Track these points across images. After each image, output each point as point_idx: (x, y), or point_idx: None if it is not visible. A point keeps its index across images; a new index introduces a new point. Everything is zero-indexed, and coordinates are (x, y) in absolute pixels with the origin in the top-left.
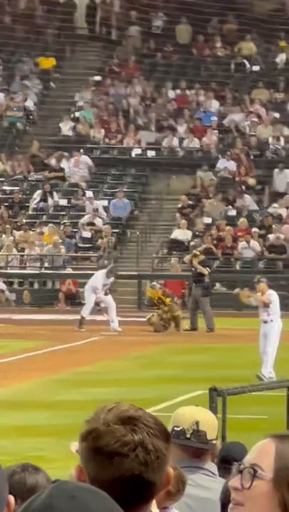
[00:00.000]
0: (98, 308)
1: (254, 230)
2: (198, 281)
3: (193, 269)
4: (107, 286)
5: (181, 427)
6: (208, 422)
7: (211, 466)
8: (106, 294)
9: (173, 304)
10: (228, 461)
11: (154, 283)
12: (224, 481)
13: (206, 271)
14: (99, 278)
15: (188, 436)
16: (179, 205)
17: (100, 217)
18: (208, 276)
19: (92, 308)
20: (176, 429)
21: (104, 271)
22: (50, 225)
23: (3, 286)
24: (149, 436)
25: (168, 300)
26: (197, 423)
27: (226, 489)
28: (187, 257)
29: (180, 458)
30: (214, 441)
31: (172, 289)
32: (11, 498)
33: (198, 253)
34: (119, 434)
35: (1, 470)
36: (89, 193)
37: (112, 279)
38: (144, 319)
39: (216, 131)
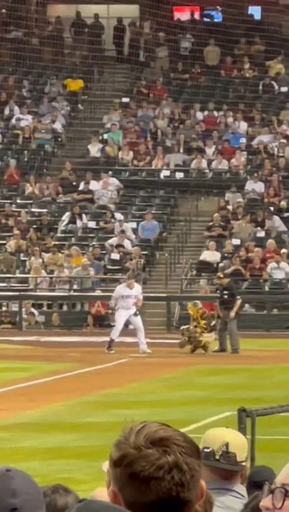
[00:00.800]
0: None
1: (283, 251)
2: (228, 303)
3: (223, 291)
4: (131, 298)
5: (210, 448)
6: (237, 443)
7: (240, 488)
8: (136, 314)
9: (204, 328)
10: (257, 483)
11: (198, 301)
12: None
13: (238, 303)
14: (118, 289)
15: (217, 457)
16: (210, 223)
17: (128, 239)
18: (239, 299)
19: (120, 330)
20: (205, 450)
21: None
22: (74, 247)
23: (33, 310)
24: (182, 456)
25: (203, 322)
26: (227, 444)
27: (253, 509)
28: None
29: (209, 479)
30: (244, 463)
31: None
32: None
33: (221, 276)
34: (153, 458)
35: (38, 488)
36: (118, 215)
37: (136, 290)
38: (173, 341)
39: (245, 153)
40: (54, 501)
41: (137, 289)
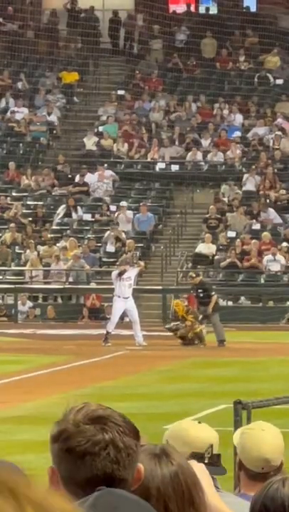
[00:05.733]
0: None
1: (284, 244)
2: (204, 300)
3: (198, 290)
4: (127, 281)
5: (198, 452)
6: (217, 442)
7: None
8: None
9: (195, 321)
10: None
11: (182, 298)
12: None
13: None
14: (113, 273)
15: (206, 461)
16: (206, 215)
17: (123, 231)
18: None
19: (117, 323)
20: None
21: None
22: (71, 239)
23: (30, 304)
24: (119, 435)
25: (190, 317)
26: (212, 447)
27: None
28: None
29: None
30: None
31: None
32: None
33: (193, 275)
34: (90, 434)
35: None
36: (113, 207)
37: (130, 272)
38: (169, 334)
39: (240, 145)
40: None
41: (133, 271)
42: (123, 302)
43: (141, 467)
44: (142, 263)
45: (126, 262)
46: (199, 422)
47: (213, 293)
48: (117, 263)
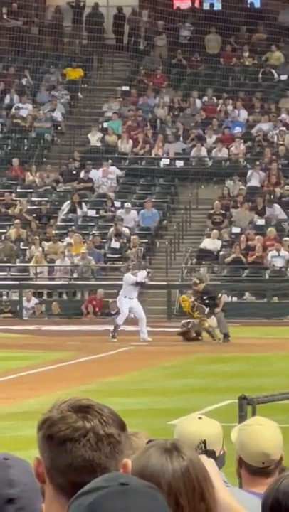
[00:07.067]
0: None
1: (285, 239)
2: (211, 305)
3: (202, 297)
4: (138, 284)
5: None
6: (214, 438)
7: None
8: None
9: (202, 317)
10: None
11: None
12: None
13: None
14: (129, 278)
15: None
16: (211, 211)
17: (128, 227)
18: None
19: (126, 316)
20: None
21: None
22: (76, 234)
23: (35, 300)
24: (101, 424)
25: (196, 313)
26: (204, 442)
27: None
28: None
29: None
30: (222, 452)
31: None
32: None
33: (197, 281)
34: (71, 421)
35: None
36: (117, 204)
37: (142, 275)
38: (174, 329)
39: (244, 141)
40: None
41: (142, 274)
42: (129, 301)
43: (128, 462)
44: (149, 269)
45: (138, 267)
46: (199, 418)
47: (220, 295)
48: (130, 266)
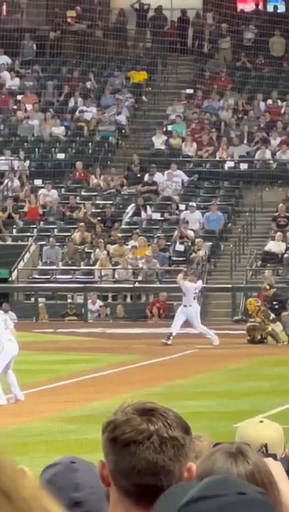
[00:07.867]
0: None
1: None
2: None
3: (272, 302)
4: (194, 293)
5: None
6: (275, 441)
7: None
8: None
9: (265, 320)
10: None
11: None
12: None
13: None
14: (189, 285)
15: None
16: (275, 214)
17: (192, 230)
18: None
19: (180, 326)
20: None
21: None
22: (140, 237)
23: (100, 303)
24: (165, 426)
25: (260, 315)
26: (265, 446)
27: None
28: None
29: None
30: (283, 455)
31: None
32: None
33: (267, 287)
34: (135, 423)
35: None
36: (182, 206)
37: (198, 285)
38: (239, 332)
39: None
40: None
41: (199, 284)
42: (186, 309)
43: (193, 466)
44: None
45: (196, 275)
46: (261, 421)
47: None
48: (190, 272)
